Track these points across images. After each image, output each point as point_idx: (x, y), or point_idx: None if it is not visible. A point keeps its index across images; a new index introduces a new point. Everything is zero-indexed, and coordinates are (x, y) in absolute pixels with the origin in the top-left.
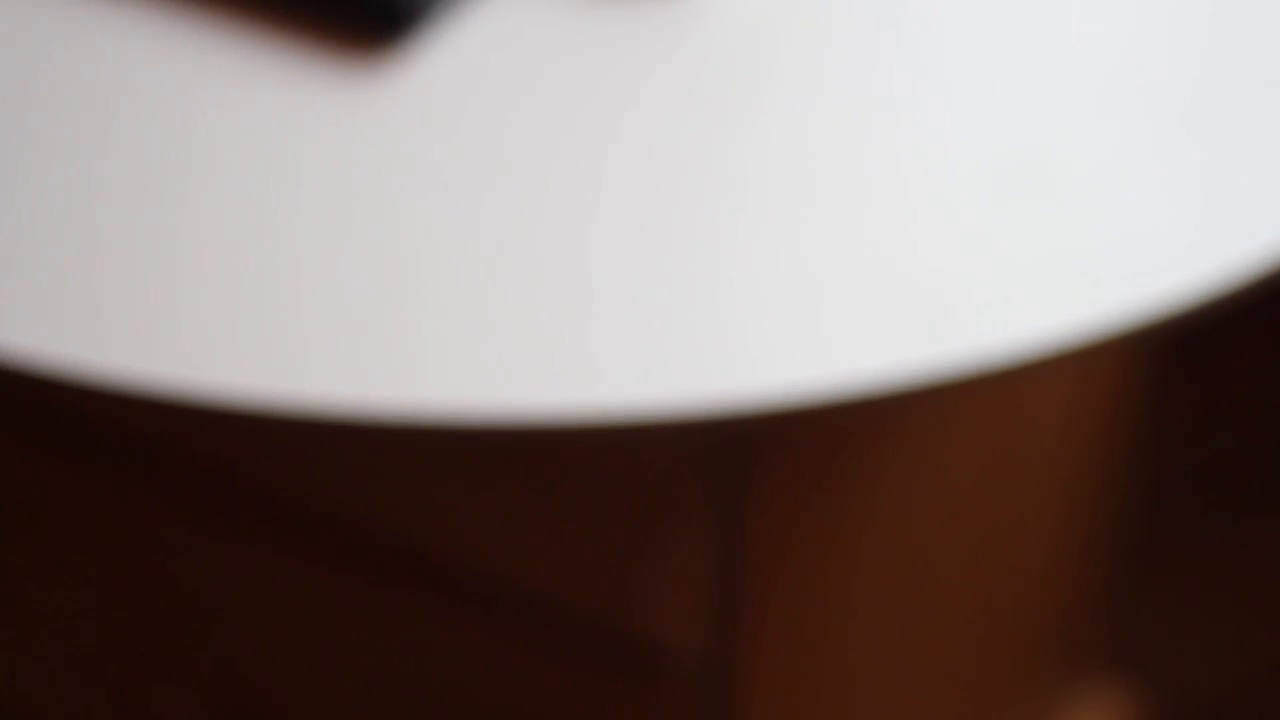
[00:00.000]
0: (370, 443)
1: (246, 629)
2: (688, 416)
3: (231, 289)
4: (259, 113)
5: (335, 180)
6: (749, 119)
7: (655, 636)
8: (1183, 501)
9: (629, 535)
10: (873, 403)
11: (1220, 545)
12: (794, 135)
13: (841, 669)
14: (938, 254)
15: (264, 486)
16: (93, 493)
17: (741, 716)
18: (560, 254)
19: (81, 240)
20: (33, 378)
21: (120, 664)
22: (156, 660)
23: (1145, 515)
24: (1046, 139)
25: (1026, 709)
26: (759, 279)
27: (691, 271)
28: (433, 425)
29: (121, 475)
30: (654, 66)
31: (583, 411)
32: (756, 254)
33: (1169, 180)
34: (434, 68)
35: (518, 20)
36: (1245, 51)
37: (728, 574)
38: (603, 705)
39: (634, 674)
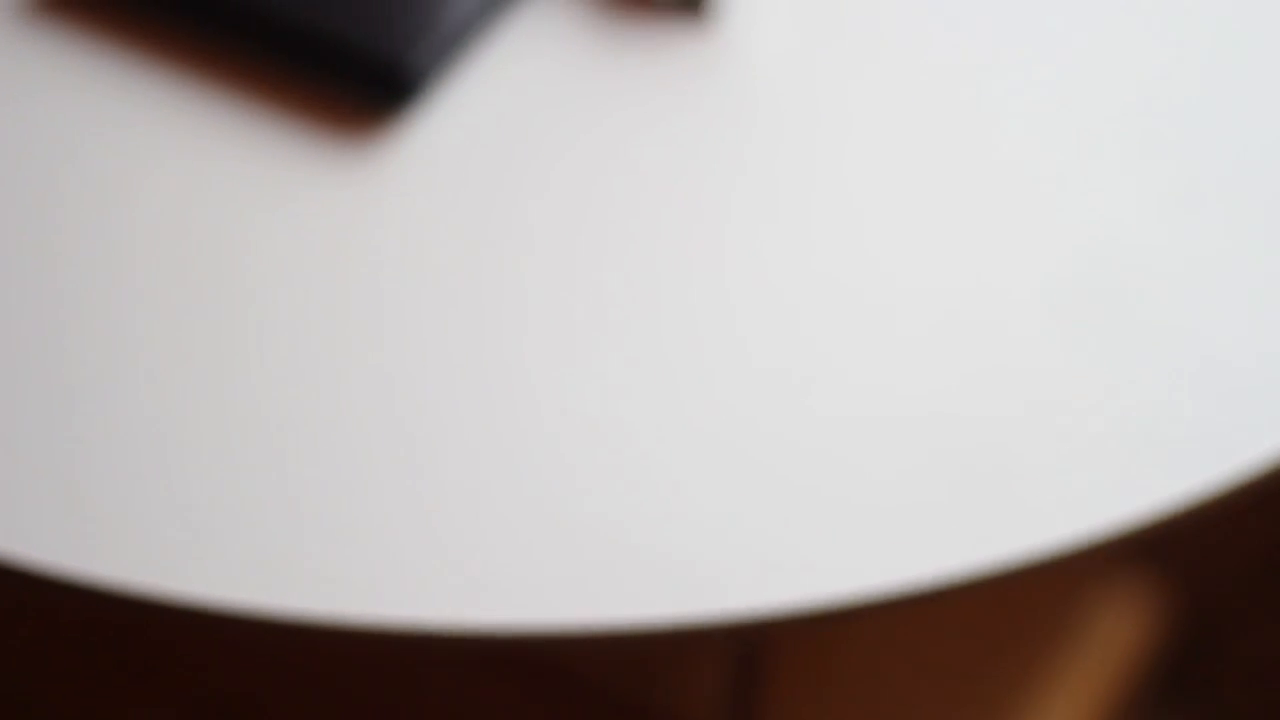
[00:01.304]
0: None
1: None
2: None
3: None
4: (251, 209)
5: (323, 290)
6: (772, 208)
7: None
8: None
9: None
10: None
11: None
12: (826, 244)
13: None
14: (992, 420)
15: None
16: None
17: None
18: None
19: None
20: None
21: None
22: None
23: None
24: (1117, 249)
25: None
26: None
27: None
28: None
29: None
30: (671, 137)
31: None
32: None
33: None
34: (434, 140)
35: (523, 74)
36: None
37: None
38: None
39: None
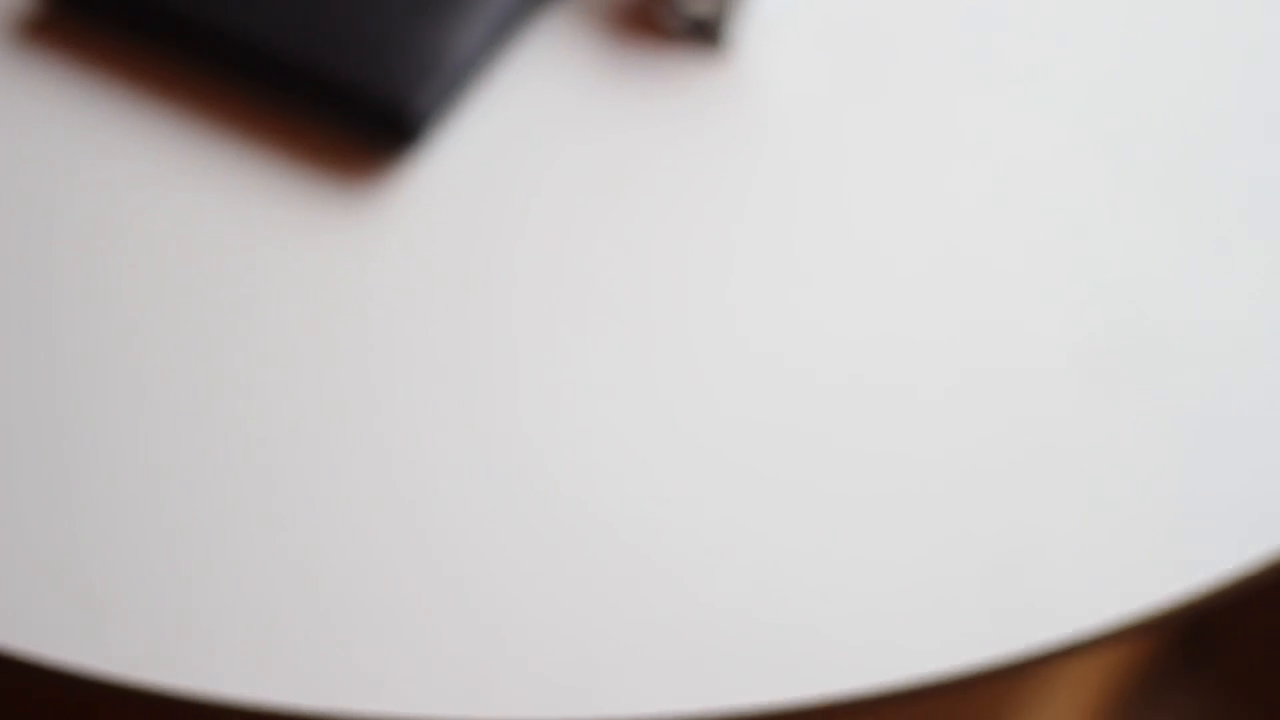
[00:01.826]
0: None
1: None
2: None
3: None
4: (246, 253)
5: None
6: (786, 254)
7: None
8: None
9: None
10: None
11: None
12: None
13: None
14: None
15: None
16: None
17: None
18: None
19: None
20: None
21: None
22: None
23: None
24: (1146, 305)
25: None
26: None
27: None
28: None
29: None
30: (680, 171)
31: None
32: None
33: None
34: (437, 178)
35: (527, 106)
36: None
37: None
38: None
39: None
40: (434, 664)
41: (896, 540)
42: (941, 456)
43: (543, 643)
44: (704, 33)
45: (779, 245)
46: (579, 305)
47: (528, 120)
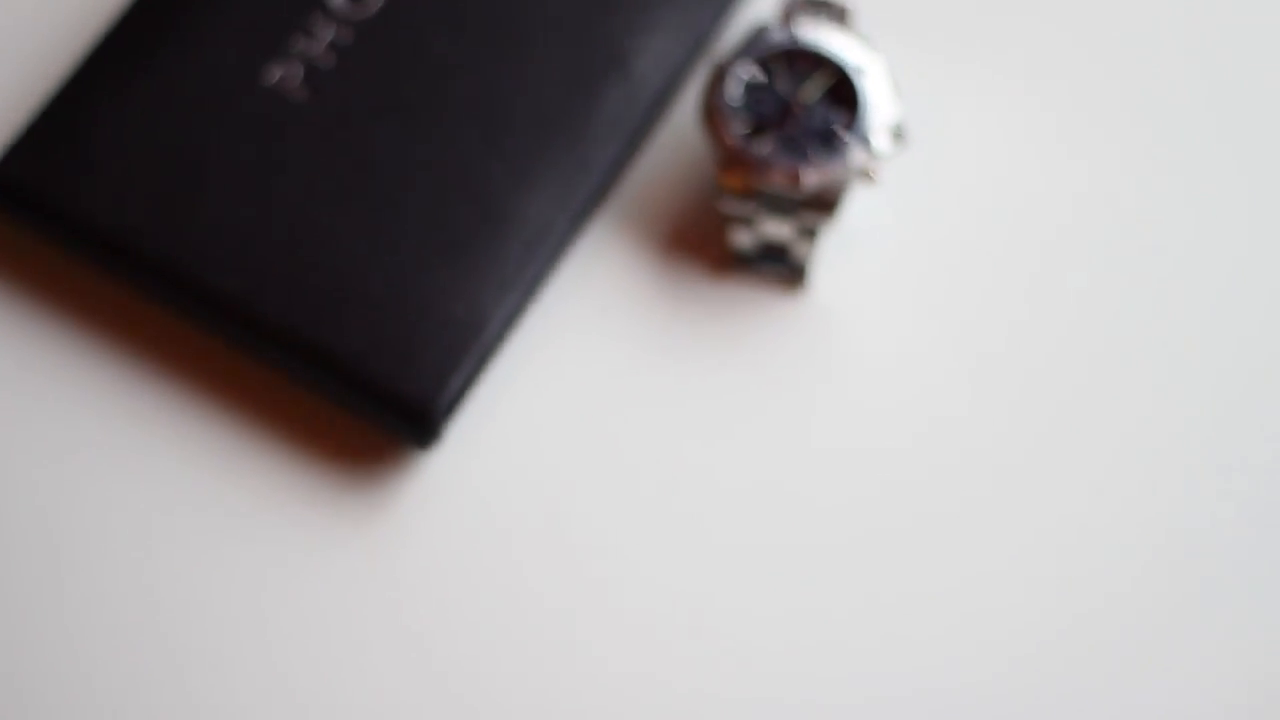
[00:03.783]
0: None
1: None
2: None
3: None
4: (238, 546)
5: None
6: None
7: None
8: None
9: None
10: None
11: None
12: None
13: None
14: None
15: None
16: None
17: None
18: None
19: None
20: None
21: None
22: None
23: None
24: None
25: None
26: None
27: None
28: None
29: None
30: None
31: None
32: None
33: None
34: (457, 463)
35: (551, 368)
36: None
37: None
38: None
39: None
40: None
41: None
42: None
43: None
44: (775, 260)
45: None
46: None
47: (552, 379)
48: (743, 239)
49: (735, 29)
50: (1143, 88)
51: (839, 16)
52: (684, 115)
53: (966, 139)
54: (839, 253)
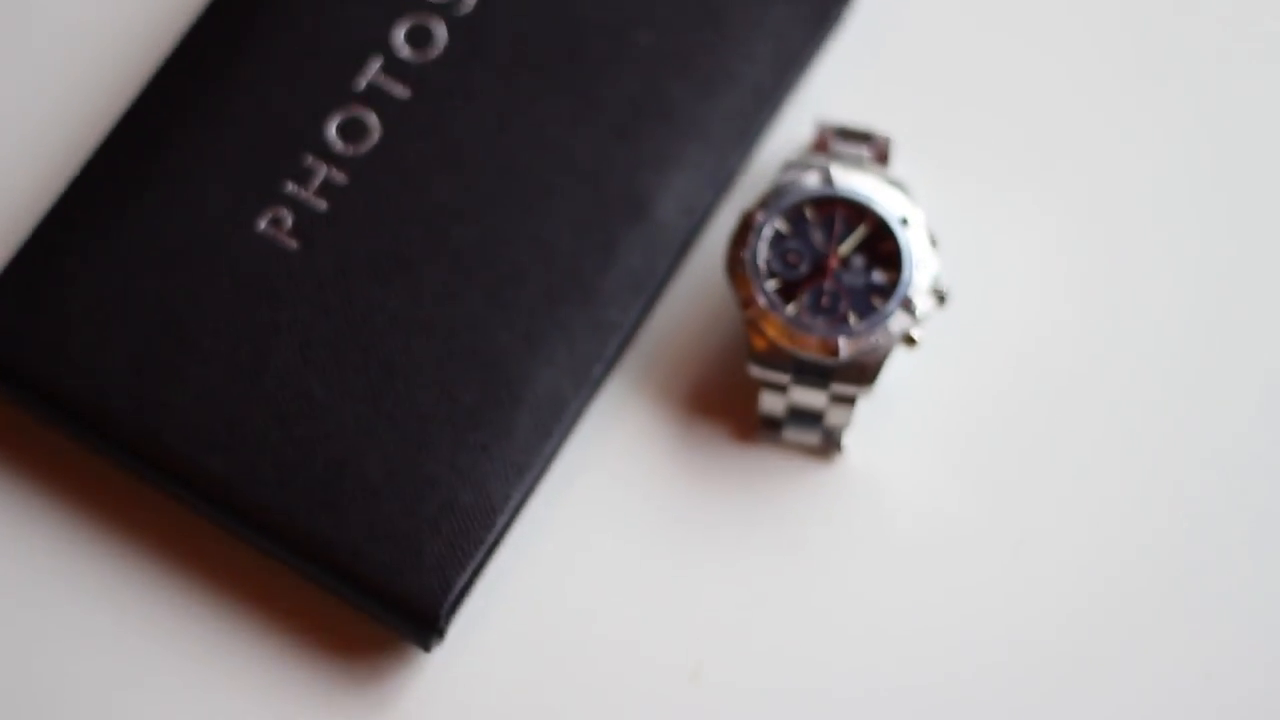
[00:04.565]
0: None
1: None
2: None
3: None
4: None
5: None
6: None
7: None
8: None
9: None
10: None
11: None
12: None
13: None
14: None
15: None
16: None
17: None
18: None
19: None
20: None
21: None
22: None
23: None
24: None
25: None
26: None
27: None
28: None
29: None
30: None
31: None
32: None
33: None
34: (464, 657)
35: (562, 547)
36: None
37: None
38: None
39: None
40: None
41: None
42: None
43: None
44: (806, 424)
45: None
46: None
47: (576, 550)
48: (772, 403)
49: (764, 160)
50: (1188, 248)
51: (878, 150)
52: (706, 259)
53: (1006, 288)
54: (871, 411)
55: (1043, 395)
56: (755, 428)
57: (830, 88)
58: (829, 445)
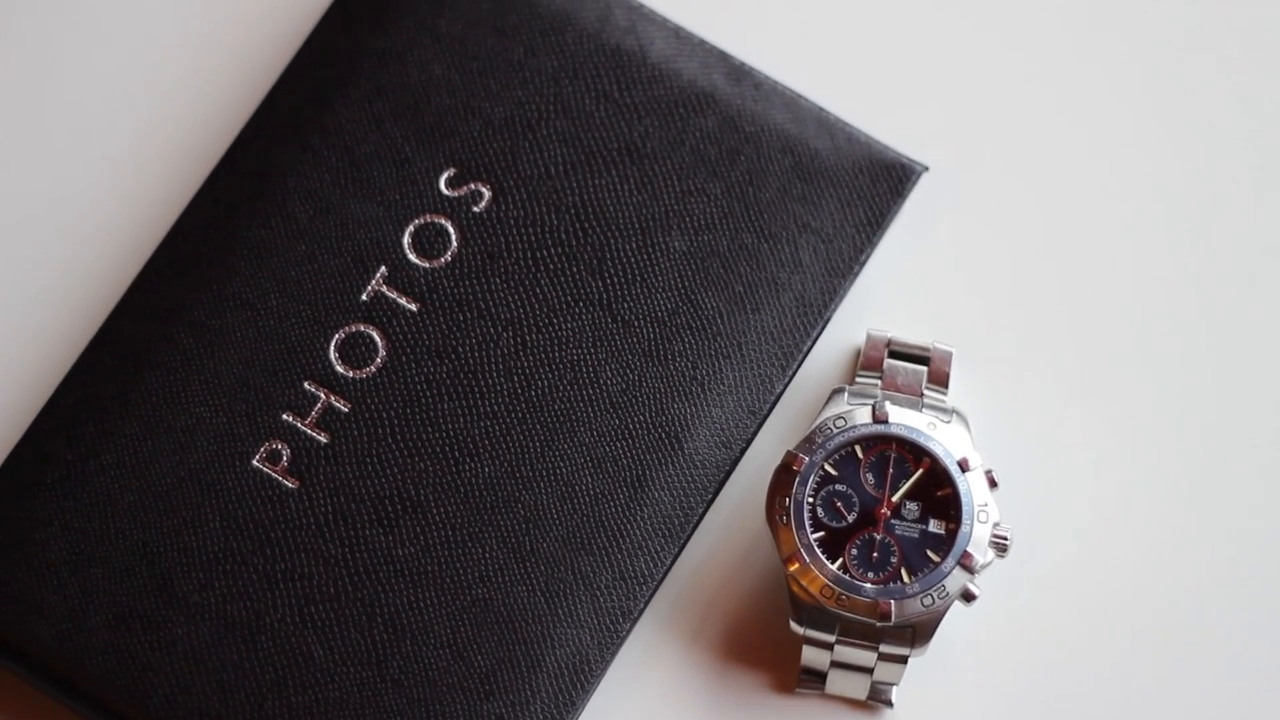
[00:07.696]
0: None
1: None
2: None
3: None
4: None
5: None
6: None
7: None
8: None
9: None
10: None
11: None
12: None
13: None
14: None
15: None
16: None
17: None
18: None
19: None
20: None
21: None
22: None
23: None
24: None
25: None
26: None
27: None
28: None
29: None
30: None
31: None
32: None
33: None
34: None
35: None
36: None
37: None
38: None
39: None
40: None
41: None
42: None
43: None
44: (856, 679)
45: None
46: None
47: None
48: (816, 658)
49: (807, 372)
50: (1254, 491)
51: (937, 371)
52: (743, 493)
53: (1067, 529)
54: (923, 663)
55: (1106, 653)
56: (796, 677)
57: (877, 280)
58: (877, 700)
